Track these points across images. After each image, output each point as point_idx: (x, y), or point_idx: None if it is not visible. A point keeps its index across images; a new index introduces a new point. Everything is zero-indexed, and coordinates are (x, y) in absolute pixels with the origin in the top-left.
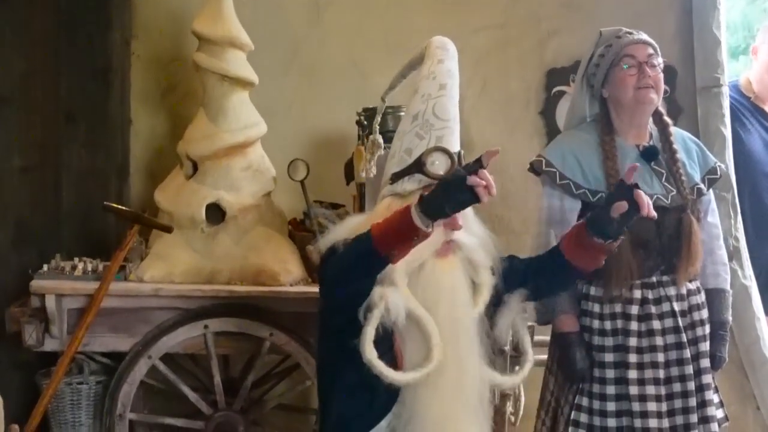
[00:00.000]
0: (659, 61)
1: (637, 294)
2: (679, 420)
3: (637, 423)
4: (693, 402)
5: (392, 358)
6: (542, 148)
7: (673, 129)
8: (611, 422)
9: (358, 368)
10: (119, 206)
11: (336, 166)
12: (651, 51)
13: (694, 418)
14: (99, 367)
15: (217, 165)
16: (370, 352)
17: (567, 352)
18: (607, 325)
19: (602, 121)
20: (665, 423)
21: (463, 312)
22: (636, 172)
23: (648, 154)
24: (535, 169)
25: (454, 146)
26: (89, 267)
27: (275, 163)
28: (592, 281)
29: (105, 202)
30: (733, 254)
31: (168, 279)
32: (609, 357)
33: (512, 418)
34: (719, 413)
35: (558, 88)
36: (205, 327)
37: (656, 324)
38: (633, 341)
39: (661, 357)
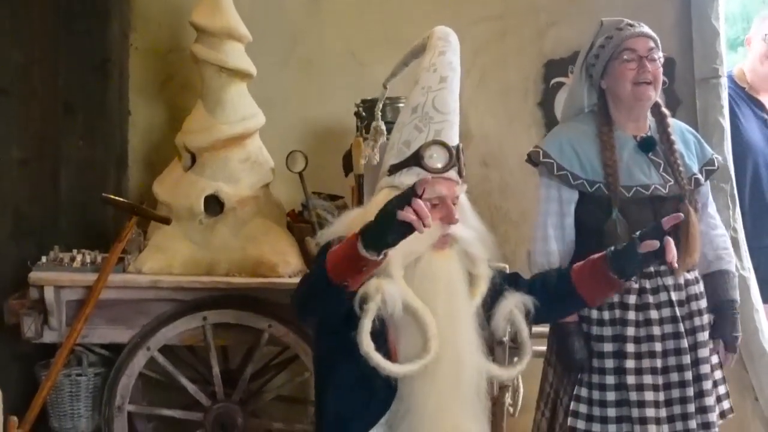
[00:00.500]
0: (659, 55)
1: (635, 284)
2: (677, 410)
3: (635, 413)
4: (690, 392)
5: (386, 353)
6: (540, 140)
7: (671, 120)
8: (611, 412)
9: (356, 366)
10: (118, 198)
11: (334, 157)
12: (652, 45)
13: (691, 408)
14: (98, 359)
15: (215, 156)
16: (367, 344)
17: (566, 342)
18: (606, 315)
19: (600, 111)
20: (662, 413)
21: (460, 304)
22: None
23: (645, 145)
24: (532, 160)
25: (453, 140)
26: (88, 258)
27: (274, 155)
28: None
29: (103, 194)
30: (732, 245)
31: (166, 271)
32: (608, 347)
33: (511, 410)
34: (725, 404)
35: (556, 79)
36: (204, 318)
37: (654, 314)
38: (631, 331)
39: (658, 346)
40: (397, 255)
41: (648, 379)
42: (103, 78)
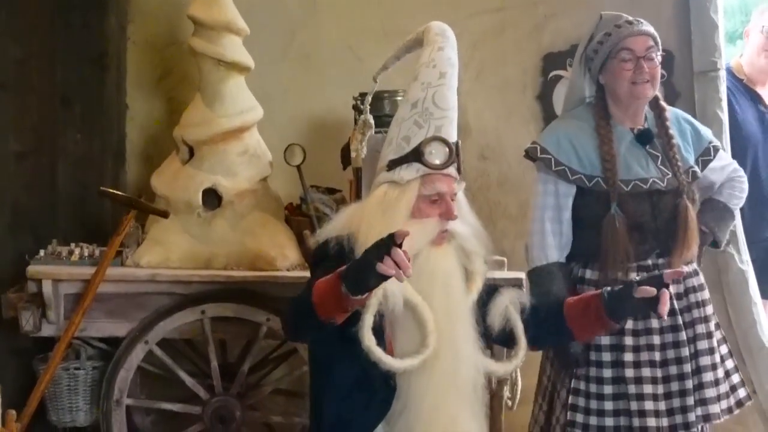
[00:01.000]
0: (658, 53)
1: (633, 277)
2: (676, 403)
3: (634, 405)
4: (689, 384)
5: (383, 349)
6: (538, 134)
7: (668, 114)
8: (608, 405)
9: (354, 366)
10: (115, 191)
11: (333, 150)
12: (650, 43)
13: (690, 400)
14: (96, 353)
15: (213, 150)
16: (369, 339)
17: None
18: None
19: (598, 105)
20: (662, 405)
21: (457, 299)
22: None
23: (642, 137)
24: (530, 155)
25: (453, 136)
26: (86, 252)
27: (272, 148)
28: (588, 264)
29: (101, 187)
30: (730, 239)
31: (165, 264)
32: (605, 340)
33: (509, 403)
34: (741, 392)
35: (555, 72)
36: (202, 312)
37: None
38: (629, 324)
39: (656, 339)
40: None
41: (646, 372)
42: (101, 71)
